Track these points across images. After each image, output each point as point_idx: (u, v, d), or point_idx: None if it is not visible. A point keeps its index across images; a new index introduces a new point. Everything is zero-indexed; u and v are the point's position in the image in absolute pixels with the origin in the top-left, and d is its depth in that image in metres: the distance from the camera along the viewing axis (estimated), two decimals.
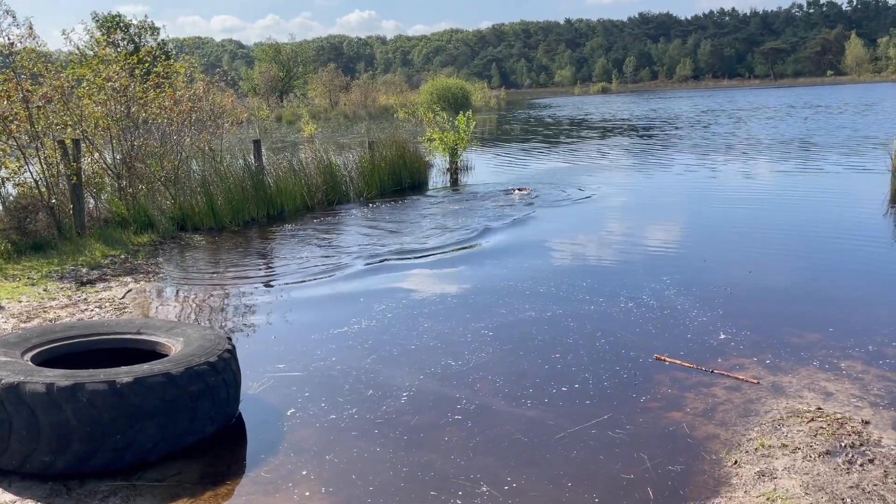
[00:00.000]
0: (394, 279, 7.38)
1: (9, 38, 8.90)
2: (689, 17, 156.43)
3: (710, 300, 6.16)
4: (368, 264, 7.99)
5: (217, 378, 4.01)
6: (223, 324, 6.12)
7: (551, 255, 8.18)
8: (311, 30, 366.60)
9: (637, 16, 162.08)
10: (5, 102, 8.73)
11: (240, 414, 4.40)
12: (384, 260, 8.17)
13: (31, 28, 9.04)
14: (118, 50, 15.71)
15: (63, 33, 9.76)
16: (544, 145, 24.11)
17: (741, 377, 4.57)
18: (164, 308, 6.54)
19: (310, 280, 7.43)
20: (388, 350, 5.35)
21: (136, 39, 44.71)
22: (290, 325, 6.09)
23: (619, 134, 27.33)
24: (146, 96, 10.32)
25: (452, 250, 8.58)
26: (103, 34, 39.95)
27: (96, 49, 10.92)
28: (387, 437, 3.98)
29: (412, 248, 8.76)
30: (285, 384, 4.83)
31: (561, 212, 10.85)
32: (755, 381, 4.51)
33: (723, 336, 5.32)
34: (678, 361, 4.88)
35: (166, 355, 4.34)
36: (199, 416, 3.88)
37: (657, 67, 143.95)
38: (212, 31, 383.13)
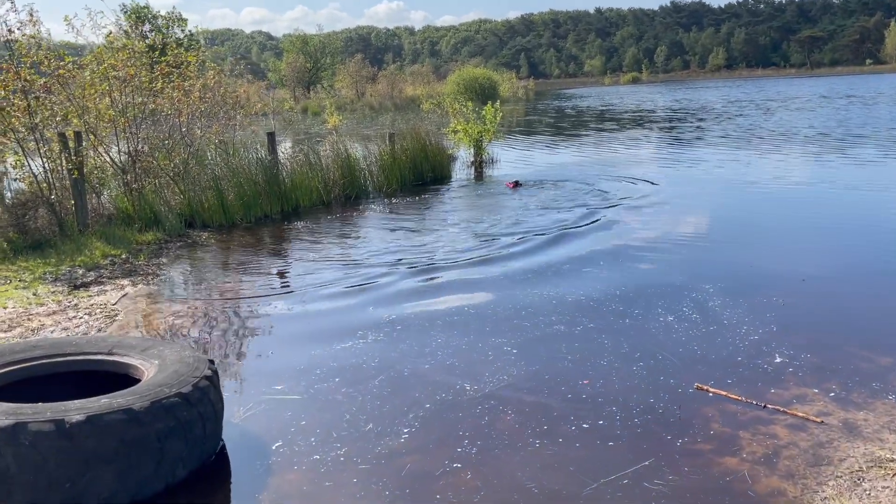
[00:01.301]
0: (410, 287, 6.70)
1: (6, 24, 8.43)
2: (722, 6, 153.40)
3: (760, 314, 5.46)
4: (383, 270, 7.32)
5: (191, 412, 3.44)
6: (216, 337, 5.56)
7: (578, 259, 7.47)
8: (339, 21, 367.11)
9: (669, 4, 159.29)
10: (2, 93, 8.26)
11: (223, 446, 3.85)
12: (400, 265, 7.54)
13: (31, 14, 8.55)
14: (146, 41, 15.27)
15: (66, 20, 9.29)
16: (567, 138, 23.33)
17: (801, 414, 3.89)
18: (155, 318, 6.01)
19: (318, 287, 6.82)
20: (399, 370, 4.75)
21: (164, 31, 44.52)
22: (292, 338, 5.52)
23: (641, 126, 26.37)
24: (153, 86, 9.81)
25: (474, 254, 7.94)
26: (131, 25, 39.80)
27: (123, 40, 10.43)
28: (376, 488, 3.37)
29: (431, 252, 8.13)
30: (278, 409, 4.26)
31: (585, 211, 10.12)
32: (818, 419, 3.83)
33: (778, 359, 4.63)
34: (723, 392, 4.20)
35: (139, 380, 3.81)
36: (168, 459, 3.32)
37: (689, 57, 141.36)
38: (241, 23, 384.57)
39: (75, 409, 3.14)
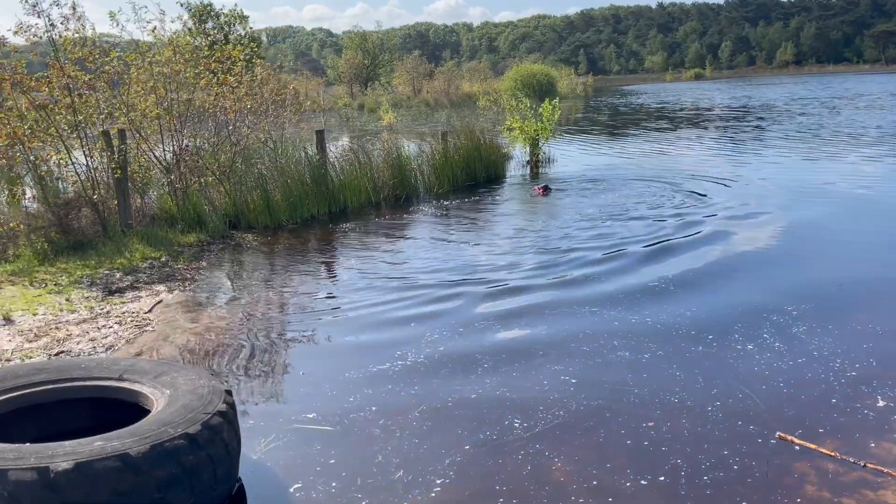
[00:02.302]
0: (458, 303, 6.15)
1: (49, 18, 8.22)
2: None
3: (854, 344, 4.79)
4: (433, 287, 6.65)
5: (199, 455, 3.02)
6: (247, 354, 5.16)
7: (641, 274, 6.79)
8: (398, 17, 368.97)
9: None
10: (46, 90, 8.07)
11: (240, 486, 3.44)
12: (450, 280, 6.98)
13: (73, 8, 8.34)
14: (209, 38, 15.13)
15: (111, 16, 9.08)
16: (621, 137, 22.45)
17: None
18: (185, 330, 5.64)
19: (363, 301, 6.29)
20: (443, 399, 4.26)
21: (226, 28, 44.97)
22: (331, 358, 5.09)
23: (696, 125, 25.21)
24: (197, 82, 9.54)
25: (526, 266, 7.38)
26: (195, 24, 40.27)
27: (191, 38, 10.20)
28: None
29: (484, 263, 7.59)
30: (305, 442, 3.83)
31: (646, 218, 9.43)
32: None
33: (881, 402, 3.97)
34: (812, 445, 3.57)
35: (149, 410, 3.41)
36: None
37: (755, 52, 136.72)
38: (303, 20, 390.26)
39: (63, 455, 2.75)
